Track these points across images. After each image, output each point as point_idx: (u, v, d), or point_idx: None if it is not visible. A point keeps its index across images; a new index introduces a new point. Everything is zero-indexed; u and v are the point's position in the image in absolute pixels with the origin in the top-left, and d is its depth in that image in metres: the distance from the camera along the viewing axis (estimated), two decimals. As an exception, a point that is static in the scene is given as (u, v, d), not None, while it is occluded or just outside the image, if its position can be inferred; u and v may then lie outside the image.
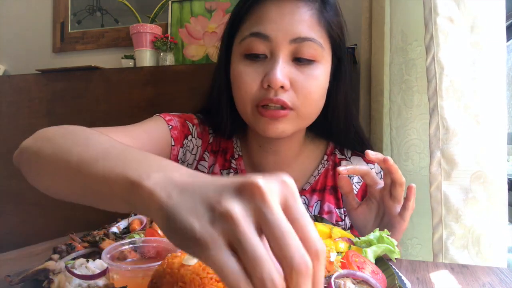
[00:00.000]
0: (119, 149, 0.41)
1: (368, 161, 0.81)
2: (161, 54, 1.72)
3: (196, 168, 0.83)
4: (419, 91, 0.95)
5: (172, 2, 1.84)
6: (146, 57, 1.73)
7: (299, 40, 0.68)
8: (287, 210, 0.28)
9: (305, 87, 0.69)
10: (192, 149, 0.82)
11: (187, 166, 0.81)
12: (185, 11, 1.83)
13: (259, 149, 0.82)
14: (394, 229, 0.65)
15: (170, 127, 0.78)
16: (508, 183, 0.78)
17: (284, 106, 0.69)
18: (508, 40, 1.04)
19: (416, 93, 0.96)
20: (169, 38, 1.71)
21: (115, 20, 2.01)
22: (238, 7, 0.75)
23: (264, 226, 0.27)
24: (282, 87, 0.67)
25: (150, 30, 1.73)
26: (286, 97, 0.68)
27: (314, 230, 0.28)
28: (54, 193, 0.50)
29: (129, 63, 1.78)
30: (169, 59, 1.72)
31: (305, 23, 0.68)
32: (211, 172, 0.83)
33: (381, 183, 0.68)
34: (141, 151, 0.40)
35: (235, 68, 0.72)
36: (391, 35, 1.05)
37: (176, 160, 0.79)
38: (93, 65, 1.68)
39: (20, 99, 1.79)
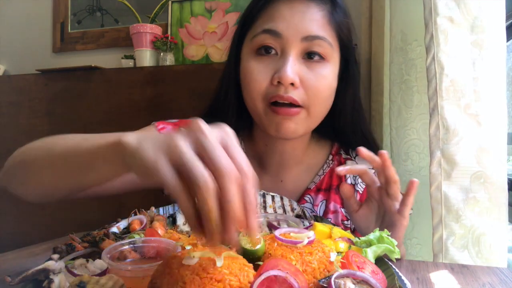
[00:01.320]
0: (92, 135, 0.51)
1: None
2: (161, 54, 1.72)
3: None
4: (419, 91, 0.95)
5: (172, 2, 1.83)
6: (146, 57, 1.73)
7: (310, 38, 0.69)
8: (223, 145, 0.37)
9: (314, 85, 0.70)
10: None
11: None
12: (185, 11, 1.83)
13: (266, 148, 0.83)
14: (395, 227, 0.65)
15: None
16: (508, 183, 0.78)
17: (293, 103, 0.69)
18: (508, 40, 1.04)
19: (416, 93, 0.96)
20: (169, 38, 1.71)
21: (115, 20, 2.01)
22: (250, 6, 0.76)
23: (201, 150, 0.36)
24: (292, 84, 0.68)
25: (150, 30, 1.73)
26: (296, 95, 0.69)
27: (244, 159, 0.37)
28: (41, 193, 0.59)
29: (129, 63, 1.78)
30: (169, 59, 1.72)
31: (316, 22, 0.70)
32: None
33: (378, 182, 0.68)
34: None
35: (246, 64, 0.73)
36: (391, 35, 1.05)
37: None
38: (93, 65, 1.68)
39: (20, 99, 1.79)
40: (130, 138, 0.41)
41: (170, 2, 1.83)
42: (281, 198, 0.75)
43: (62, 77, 1.74)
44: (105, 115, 1.67)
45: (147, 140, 0.40)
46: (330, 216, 0.82)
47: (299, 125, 0.72)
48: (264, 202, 0.74)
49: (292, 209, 0.73)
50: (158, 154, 0.37)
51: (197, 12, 1.81)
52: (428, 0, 0.79)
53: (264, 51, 0.71)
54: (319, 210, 0.82)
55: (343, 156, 0.86)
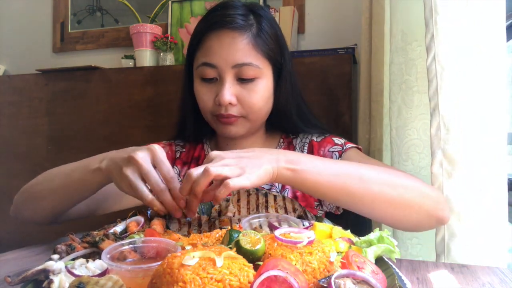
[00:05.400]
0: (77, 165, 0.78)
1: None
2: (161, 54, 1.72)
3: None
4: (419, 91, 0.95)
5: (172, 2, 1.84)
6: (146, 57, 1.73)
7: (238, 66, 0.83)
8: (153, 163, 0.66)
9: (248, 101, 0.85)
10: None
11: None
12: (185, 11, 1.83)
13: (227, 147, 0.96)
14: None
15: None
16: (508, 183, 0.78)
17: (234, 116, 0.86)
18: (508, 40, 1.04)
19: (416, 93, 0.96)
20: (169, 38, 1.71)
21: (115, 20, 2.01)
22: (191, 40, 0.91)
23: (143, 175, 0.64)
24: (230, 103, 0.84)
25: (150, 30, 1.73)
26: (234, 111, 0.86)
27: (169, 169, 0.66)
28: (45, 214, 0.83)
29: (129, 63, 1.78)
30: (169, 59, 1.72)
31: (241, 51, 0.83)
32: None
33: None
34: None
35: (195, 87, 0.90)
36: (391, 35, 1.05)
37: None
38: (93, 65, 1.68)
39: (20, 99, 1.79)
40: (104, 165, 0.70)
41: (170, 2, 1.83)
42: (283, 198, 0.74)
43: (62, 77, 1.74)
44: (105, 115, 1.67)
45: (110, 163, 0.69)
46: (287, 187, 0.92)
47: (239, 128, 0.89)
48: (266, 202, 0.73)
49: (294, 210, 0.73)
50: (123, 176, 0.65)
51: (197, 12, 1.81)
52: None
53: (207, 79, 0.87)
54: (277, 184, 0.91)
55: (291, 136, 1.00)
